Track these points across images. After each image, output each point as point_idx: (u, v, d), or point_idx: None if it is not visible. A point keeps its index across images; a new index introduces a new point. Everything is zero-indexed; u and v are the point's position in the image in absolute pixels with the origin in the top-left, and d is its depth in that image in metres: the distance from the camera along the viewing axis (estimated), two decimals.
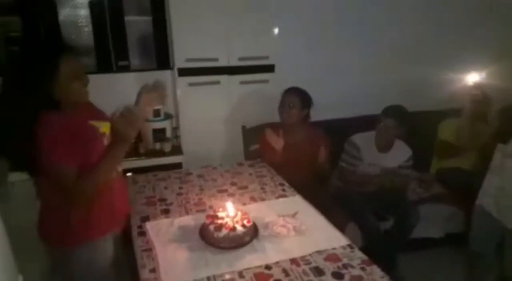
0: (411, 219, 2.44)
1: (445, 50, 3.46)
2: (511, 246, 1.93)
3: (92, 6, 2.38)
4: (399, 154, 2.57)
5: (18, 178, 1.99)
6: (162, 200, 1.94)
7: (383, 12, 3.16)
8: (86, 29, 2.42)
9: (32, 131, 1.25)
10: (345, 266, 1.43)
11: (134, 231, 1.66)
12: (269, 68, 2.78)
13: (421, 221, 2.47)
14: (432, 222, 2.63)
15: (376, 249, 2.11)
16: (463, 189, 2.49)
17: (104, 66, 2.47)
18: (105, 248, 1.55)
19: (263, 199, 1.94)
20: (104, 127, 1.48)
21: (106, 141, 1.45)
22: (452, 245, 2.68)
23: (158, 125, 2.72)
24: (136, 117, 1.32)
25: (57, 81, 1.30)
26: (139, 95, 1.71)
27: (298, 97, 2.47)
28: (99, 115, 1.54)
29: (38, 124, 1.26)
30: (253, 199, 1.94)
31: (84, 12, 2.38)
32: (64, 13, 2.35)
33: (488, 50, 3.40)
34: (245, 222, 1.57)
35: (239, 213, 1.62)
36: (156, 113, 2.70)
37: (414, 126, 2.55)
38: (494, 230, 1.99)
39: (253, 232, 1.59)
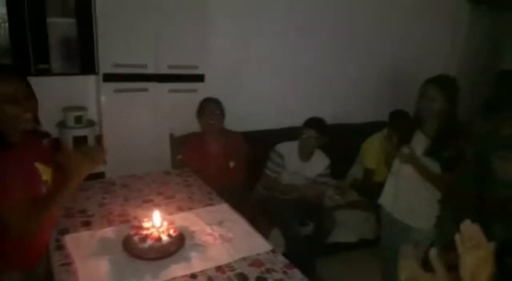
0: (328, 224, 2.63)
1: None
2: (413, 240, 2.14)
3: (9, 3, 2.21)
4: (319, 163, 2.76)
5: None
6: (83, 211, 1.85)
7: (314, 18, 3.32)
8: (2, 29, 2.25)
9: None
10: (268, 270, 1.51)
11: (52, 245, 1.57)
12: (199, 78, 2.81)
13: (338, 227, 2.68)
14: (348, 227, 2.85)
15: (297, 253, 2.24)
16: (373, 197, 2.73)
17: (23, 68, 2.31)
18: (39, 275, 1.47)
19: (190, 208, 1.96)
20: (47, 174, 1.39)
21: (44, 190, 1.37)
22: (364, 248, 2.92)
23: (80, 132, 2.59)
24: (100, 154, 1.30)
25: None
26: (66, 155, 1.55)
27: (220, 105, 2.59)
28: (46, 156, 1.43)
29: None
30: (180, 209, 1.95)
31: (0, 9, 2.21)
32: None
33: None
34: (171, 231, 1.58)
35: (165, 223, 1.62)
36: (78, 120, 2.57)
37: (333, 137, 2.76)
38: (397, 231, 2.21)
39: (179, 241, 1.60)
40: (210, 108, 2.57)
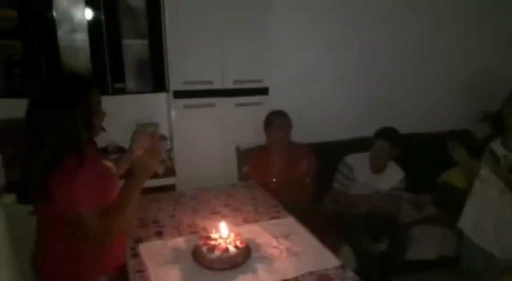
0: (405, 241, 2.45)
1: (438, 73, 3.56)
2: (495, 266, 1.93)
3: (90, 29, 2.43)
4: (392, 176, 2.60)
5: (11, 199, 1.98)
6: (155, 222, 1.93)
7: (380, 35, 3.25)
8: (84, 53, 2.47)
9: (54, 166, 1.24)
10: None
11: (128, 253, 1.65)
12: (263, 91, 2.83)
13: (414, 243, 2.49)
14: (425, 244, 2.64)
15: (370, 271, 2.11)
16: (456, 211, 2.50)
17: (101, 88, 2.48)
18: None
19: (256, 221, 1.95)
20: (113, 168, 1.48)
21: (118, 184, 1.45)
22: (444, 267, 2.68)
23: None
24: (159, 152, 1.38)
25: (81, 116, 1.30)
26: (134, 139, 1.66)
27: (288, 117, 2.58)
28: (103, 154, 1.54)
29: (62, 165, 1.25)
30: (246, 221, 1.95)
31: (82, 36, 2.43)
32: (63, 37, 2.39)
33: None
34: (238, 243, 1.58)
35: (232, 235, 1.62)
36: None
37: (408, 148, 2.59)
38: (480, 251, 1.99)
39: (246, 253, 1.59)
40: (279, 121, 2.56)
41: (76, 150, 1.27)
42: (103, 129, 1.42)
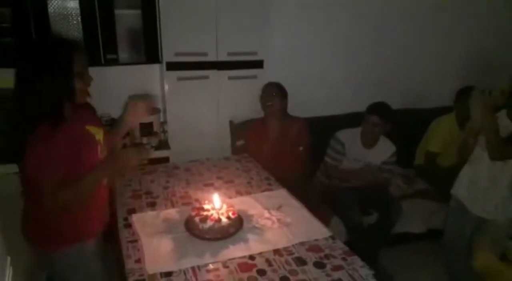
0: (394, 214, 2.50)
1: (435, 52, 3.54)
2: (482, 232, 2.00)
3: None
4: (383, 150, 2.62)
5: (3, 171, 1.99)
6: (148, 193, 1.95)
7: (376, 11, 3.21)
8: (75, 22, 2.41)
9: (30, 131, 1.25)
10: (326, 256, 1.47)
11: (120, 223, 1.67)
12: (258, 64, 2.80)
13: (404, 216, 2.54)
14: (415, 217, 2.69)
15: (359, 243, 2.16)
16: (444, 185, 2.55)
17: (93, 59, 2.46)
18: (92, 247, 1.53)
19: (249, 193, 1.97)
20: (98, 134, 1.47)
21: (99, 149, 1.45)
22: (434, 240, 2.75)
23: (146, 119, 2.72)
24: (146, 153, 1.42)
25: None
26: (126, 106, 1.68)
27: (278, 88, 2.59)
28: (95, 120, 1.51)
29: (38, 130, 1.24)
30: (239, 193, 1.97)
31: (73, 4, 2.37)
32: (53, 5, 2.33)
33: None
34: (230, 214, 1.60)
35: (225, 206, 1.65)
36: None
37: (399, 123, 2.60)
38: (467, 221, 2.05)
39: (238, 224, 1.62)
40: (268, 90, 2.59)
41: (52, 115, 1.27)
42: (88, 94, 1.40)
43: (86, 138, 1.41)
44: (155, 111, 2.74)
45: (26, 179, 1.36)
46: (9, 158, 1.35)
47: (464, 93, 2.77)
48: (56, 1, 2.34)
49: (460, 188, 2.10)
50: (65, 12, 2.37)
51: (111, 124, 2.61)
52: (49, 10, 2.32)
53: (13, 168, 1.38)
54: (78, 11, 2.38)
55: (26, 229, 1.47)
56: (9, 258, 1.47)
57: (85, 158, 1.38)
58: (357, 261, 1.45)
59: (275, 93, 2.56)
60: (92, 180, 1.38)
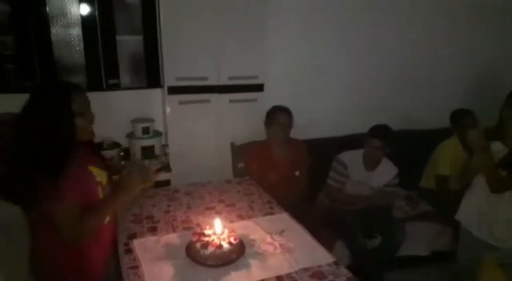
0: (398, 236, 2.47)
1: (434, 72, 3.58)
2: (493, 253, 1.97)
3: (84, 25, 2.41)
4: (386, 172, 2.61)
5: None
6: (149, 217, 1.93)
7: (377, 29, 3.25)
8: (77, 48, 2.45)
9: (44, 167, 1.25)
10: None
11: (121, 249, 1.65)
12: (258, 87, 2.83)
13: (408, 239, 2.50)
14: (419, 240, 2.66)
15: (363, 267, 2.13)
16: (448, 208, 2.53)
17: (95, 84, 2.49)
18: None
19: (250, 217, 1.95)
20: (101, 176, 1.47)
21: (100, 191, 1.45)
22: (438, 263, 2.71)
23: (147, 142, 2.73)
24: (149, 175, 1.44)
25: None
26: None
27: (291, 116, 2.55)
28: (98, 161, 1.52)
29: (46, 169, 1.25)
30: (240, 217, 1.95)
31: (76, 31, 2.41)
32: (56, 32, 2.37)
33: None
34: (231, 239, 1.58)
35: (226, 231, 1.62)
36: (145, 131, 2.71)
37: (401, 144, 2.60)
38: (478, 246, 2.02)
39: (240, 249, 1.59)
40: (282, 119, 2.51)
41: (58, 156, 1.28)
42: (92, 132, 1.43)
43: (87, 176, 1.41)
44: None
45: (39, 222, 1.35)
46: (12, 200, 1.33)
47: (459, 118, 2.89)
48: (59, 28, 2.38)
49: (463, 215, 2.08)
50: (68, 39, 2.41)
51: (113, 148, 2.62)
52: (52, 36, 2.36)
53: None
54: (81, 37, 2.43)
55: (34, 269, 1.45)
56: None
57: (87, 197, 1.38)
58: None
59: (287, 122, 2.51)
60: (106, 205, 1.41)
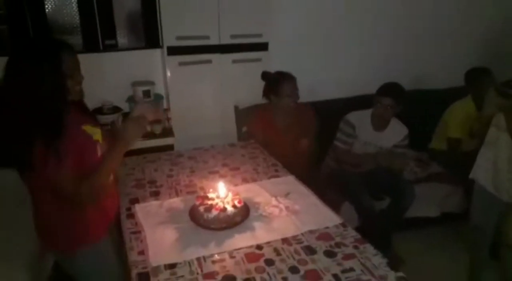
0: (407, 198, 2.41)
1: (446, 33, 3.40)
2: (508, 217, 1.93)
3: None
4: (395, 133, 2.52)
5: None
6: (152, 182, 1.89)
7: None
8: (71, 7, 2.33)
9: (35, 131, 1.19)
10: (337, 244, 1.40)
11: (123, 214, 1.62)
12: (263, 46, 2.71)
13: (418, 200, 2.45)
14: (429, 201, 2.61)
15: (371, 228, 2.09)
16: (460, 168, 2.46)
17: (91, 45, 2.40)
18: (107, 246, 1.51)
19: (255, 180, 1.90)
20: (96, 134, 1.40)
21: (99, 150, 1.39)
22: (448, 224, 2.67)
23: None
24: (145, 122, 1.40)
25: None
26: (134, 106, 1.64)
27: (296, 83, 2.41)
28: (91, 119, 1.45)
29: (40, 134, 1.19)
30: (245, 180, 1.90)
31: None
32: None
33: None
34: (236, 202, 1.54)
35: (230, 194, 1.59)
36: (146, 94, 2.62)
37: (412, 104, 2.50)
38: (492, 204, 1.96)
39: (244, 212, 1.56)
40: (291, 88, 2.36)
41: (50, 119, 1.22)
42: (82, 93, 1.36)
43: (84, 139, 1.35)
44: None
45: (39, 185, 1.31)
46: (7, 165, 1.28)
47: (475, 78, 2.73)
48: None
49: (480, 173, 2.00)
50: None
51: (113, 112, 2.55)
52: None
53: None
54: None
55: (41, 233, 1.44)
56: None
57: (85, 159, 1.32)
58: (369, 249, 1.38)
59: (297, 91, 2.38)
60: (109, 160, 1.36)
